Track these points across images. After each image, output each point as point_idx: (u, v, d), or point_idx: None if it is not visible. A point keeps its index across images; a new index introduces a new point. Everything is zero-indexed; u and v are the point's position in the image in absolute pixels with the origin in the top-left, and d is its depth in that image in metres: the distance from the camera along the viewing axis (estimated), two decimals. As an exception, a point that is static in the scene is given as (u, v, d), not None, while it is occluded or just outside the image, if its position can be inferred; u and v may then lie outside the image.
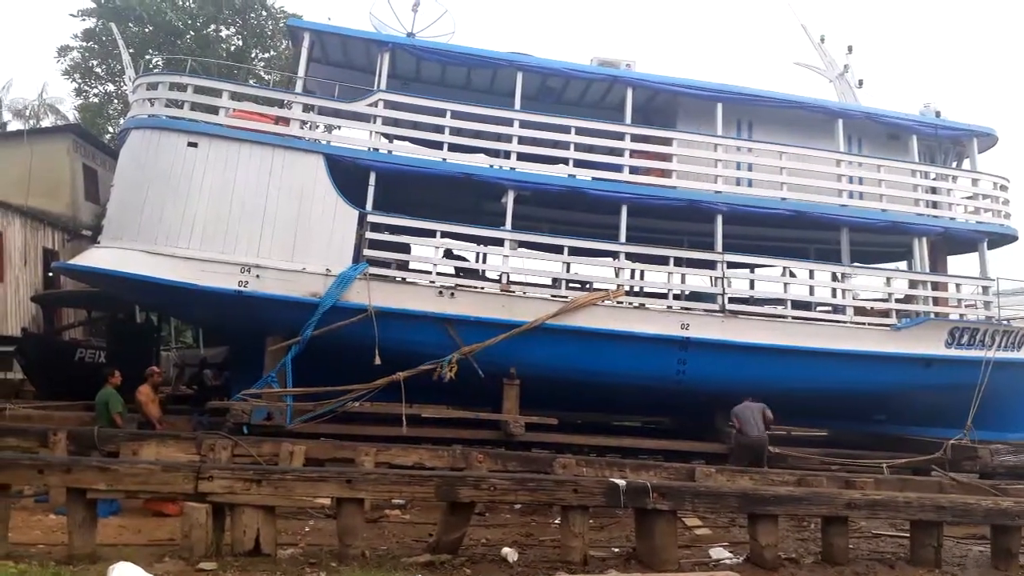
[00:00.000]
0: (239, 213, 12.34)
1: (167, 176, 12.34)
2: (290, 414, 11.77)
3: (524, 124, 13.78)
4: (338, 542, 7.40)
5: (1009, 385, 14.30)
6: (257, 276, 12.09)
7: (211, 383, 16.75)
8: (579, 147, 13.92)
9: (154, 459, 8.94)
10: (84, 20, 27.77)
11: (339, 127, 14.06)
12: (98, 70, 28.65)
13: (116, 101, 28.31)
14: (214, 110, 12.98)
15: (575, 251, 13.87)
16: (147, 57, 23.03)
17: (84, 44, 28.23)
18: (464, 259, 15.34)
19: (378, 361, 11.82)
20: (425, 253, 13.60)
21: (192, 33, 27.60)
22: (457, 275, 14.18)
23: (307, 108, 13.53)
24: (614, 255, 13.87)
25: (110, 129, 27.10)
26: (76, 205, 20.47)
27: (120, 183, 12.91)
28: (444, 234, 13.32)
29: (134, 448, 9.38)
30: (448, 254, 14.45)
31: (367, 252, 12.65)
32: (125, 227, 12.40)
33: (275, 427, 11.48)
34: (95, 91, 29.30)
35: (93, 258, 12.40)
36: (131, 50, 20.35)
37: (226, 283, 11.98)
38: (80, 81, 28.89)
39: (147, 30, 26.97)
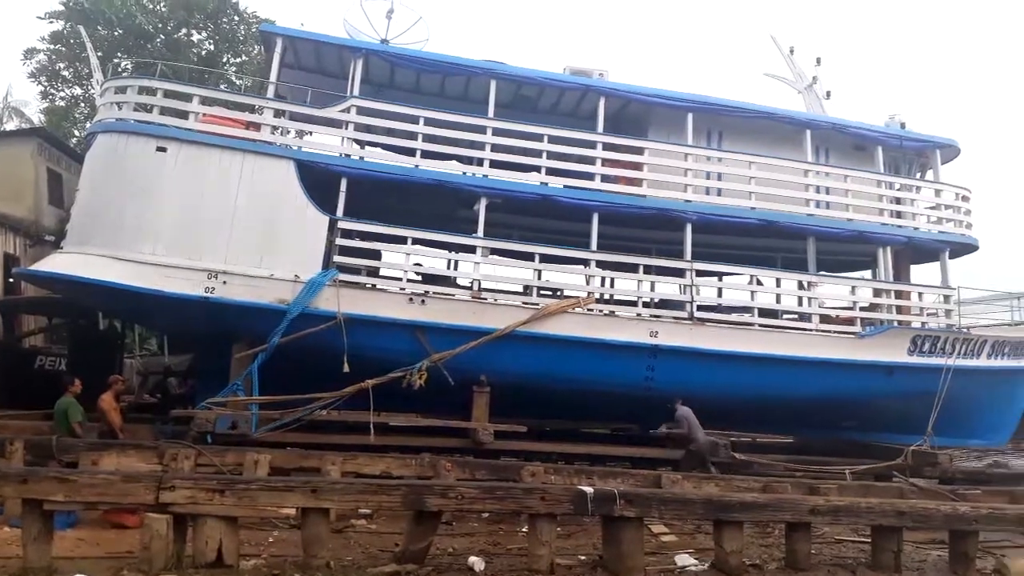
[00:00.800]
0: (207, 218, 12.21)
1: (134, 181, 12.19)
2: (255, 423, 11.64)
3: (497, 132, 13.83)
4: (303, 552, 7.32)
5: (968, 392, 14.57)
6: (224, 282, 11.96)
7: (175, 391, 16.53)
8: (552, 155, 13.99)
9: (114, 469, 8.77)
10: (52, 23, 27.41)
11: (311, 133, 13.99)
12: (65, 73, 28.24)
13: (83, 105, 27.91)
14: (184, 115, 12.85)
15: (546, 258, 13.92)
16: (116, 61, 22.78)
17: (51, 47, 27.82)
18: (434, 269, 15.30)
19: (347, 369, 11.75)
20: (396, 260, 13.55)
21: (162, 37, 27.33)
22: (429, 282, 14.16)
23: (278, 113, 13.44)
24: (585, 263, 13.94)
25: (76, 133, 26.68)
26: (39, 209, 20.07)
27: (85, 187, 12.71)
28: (416, 241, 13.30)
29: (94, 458, 9.21)
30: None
31: (337, 258, 12.59)
32: (89, 232, 12.21)
33: (240, 436, 11.34)
34: (62, 94, 28.87)
35: (55, 263, 12.18)
36: (99, 53, 20.11)
37: (192, 289, 11.84)
38: (46, 84, 28.47)
39: (116, 33, 26.65)
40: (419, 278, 14.07)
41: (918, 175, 17.25)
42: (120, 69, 21.79)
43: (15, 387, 15.01)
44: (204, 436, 11.00)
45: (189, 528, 7.04)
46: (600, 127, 14.48)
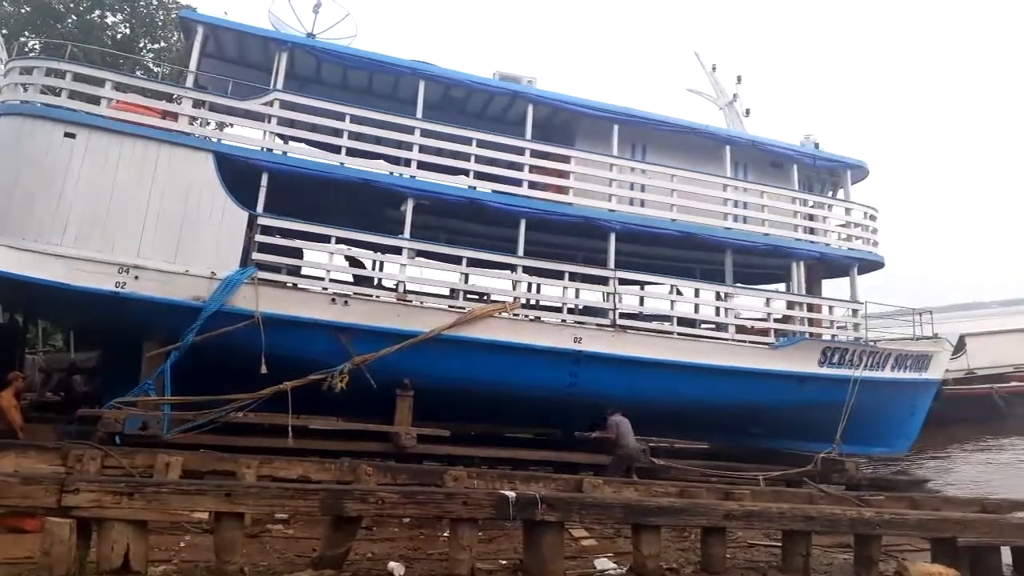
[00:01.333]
0: (119, 210, 11.68)
1: (40, 167, 11.54)
2: (167, 424, 11.18)
3: (425, 133, 13.73)
4: (216, 558, 7.06)
5: (874, 402, 15.31)
6: (136, 277, 11.47)
7: (80, 389, 15.74)
8: (480, 159, 13.99)
9: (13, 471, 8.27)
10: (-48, -4, 25.72)
11: (231, 125, 13.58)
12: (-35, 50, 26.55)
13: (-15, 84, 26.29)
14: (95, 100, 12.25)
15: (473, 262, 13.90)
16: (22, 40, 21.55)
17: (-50, 21, 26.12)
18: (361, 265, 15.08)
19: (264, 370, 11.42)
20: (318, 259, 13.28)
21: (74, 17, 26.00)
22: (352, 283, 13.93)
23: (198, 104, 12.97)
24: (512, 268, 13.97)
25: (-24, 114, 25.13)
26: (-67, 194, 18.81)
27: (-14, 172, 11.95)
28: (339, 240, 13.06)
29: (-10, 459, 8.66)
30: (352, 262, 14.20)
31: (256, 256, 12.24)
32: (-12, 220, 11.49)
33: (151, 438, 10.86)
34: (-39, 72, 27.13)
35: (-50, 252, 11.42)
36: (4, 31, 19.02)
37: (102, 283, 11.29)
38: (-56, 60, 26.68)
39: (24, 11, 25.21)
40: (342, 278, 13.79)
41: (830, 193, 18.04)
42: (27, 49, 20.61)
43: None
44: (112, 437, 10.51)
45: (94, 533, 6.69)
46: (528, 134, 14.57)
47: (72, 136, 11.73)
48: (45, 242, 11.28)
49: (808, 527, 8.56)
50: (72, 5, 25.99)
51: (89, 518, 6.61)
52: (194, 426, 11.31)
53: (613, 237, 14.43)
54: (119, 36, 26.85)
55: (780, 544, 8.88)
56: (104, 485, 6.82)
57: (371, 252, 14.95)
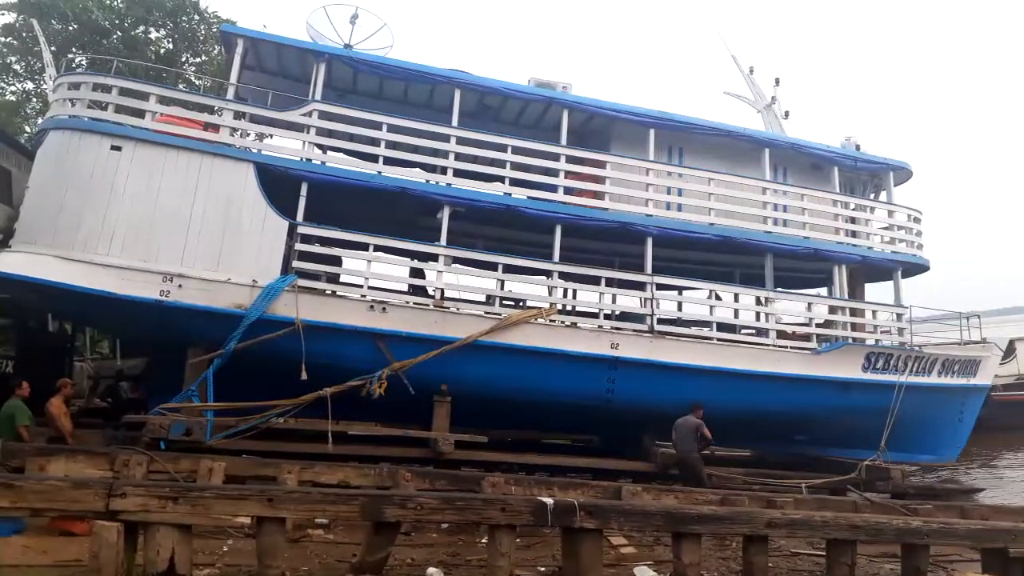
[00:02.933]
0: (163, 220, 11.94)
1: (87, 180, 11.87)
2: (210, 429, 11.38)
3: (461, 141, 13.81)
4: (257, 563, 7.15)
5: (920, 408, 14.95)
6: (180, 286, 11.70)
7: (127, 396, 16.10)
8: (515, 166, 14.02)
9: (63, 475, 8.49)
10: (4, 15, 26.60)
11: (271, 136, 13.81)
12: (16, 67, 27.41)
13: (35, 100, 27.12)
14: (140, 114, 12.55)
15: (509, 268, 13.92)
16: (70, 56, 22.18)
17: (2, 39, 27.01)
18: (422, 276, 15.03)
19: (304, 376, 11.57)
20: (357, 266, 13.42)
21: (119, 34, 26.71)
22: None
23: (238, 115, 13.22)
24: (548, 274, 13.96)
25: (27, 129, 25.91)
26: (-13, 207, 19.45)
27: (36, 185, 12.32)
28: (378, 248, 13.19)
29: (41, 463, 8.89)
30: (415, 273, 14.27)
31: (296, 264, 12.41)
32: (39, 231, 11.82)
33: (194, 443, 11.07)
34: (12, 89, 28.00)
35: (3, 262, 11.73)
36: (53, 48, 19.57)
37: (147, 292, 11.55)
38: (-4, 78, 27.59)
39: (71, 28, 25.98)
40: (380, 285, 13.88)
41: (872, 196, 17.71)
42: (74, 65, 21.19)
43: (-43, 390, 14.45)
44: (157, 442, 10.73)
45: (140, 536, 6.83)
46: (564, 140, 14.56)
47: (118, 149, 12.03)
48: (92, 252, 11.58)
49: (853, 536, 8.39)
50: (117, 22, 26.72)
51: (136, 522, 6.75)
52: (236, 432, 11.49)
53: (650, 242, 14.33)
54: (162, 51, 27.53)
55: (824, 553, 8.71)
56: (150, 490, 6.95)
57: (408, 259, 15.10)
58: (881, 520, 8.88)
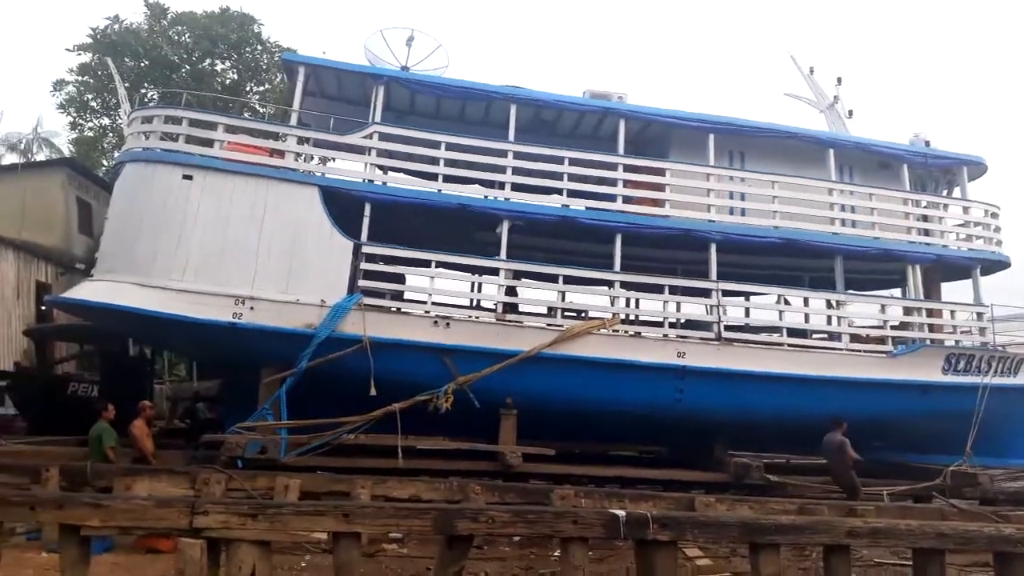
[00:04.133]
0: (233, 245, 12.33)
1: (161, 208, 12.35)
2: (284, 447, 11.65)
3: (518, 155, 13.89)
4: (335, 577, 7.27)
5: (1006, 411, 14.30)
6: (251, 308, 12.04)
7: (204, 416, 16.59)
8: (572, 177, 14.01)
9: (147, 494, 8.79)
10: (80, 55, 28.01)
11: (334, 159, 14.14)
12: (93, 104, 28.81)
13: (111, 135, 28.43)
14: (209, 143, 13.03)
15: (570, 280, 13.89)
16: (142, 91, 23.21)
17: (79, 78, 28.42)
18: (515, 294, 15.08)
19: (373, 392, 11.75)
20: (420, 283, 13.58)
21: (187, 67, 27.84)
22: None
23: (302, 140, 13.59)
24: (609, 284, 13.88)
25: (104, 163, 27.17)
26: (70, 238, 20.40)
27: (114, 216, 12.90)
28: (439, 264, 13.33)
29: (127, 483, 9.24)
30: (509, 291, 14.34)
31: (362, 283, 12.63)
32: (118, 260, 12.37)
33: (269, 460, 11.35)
34: (90, 125, 29.43)
35: (86, 291, 12.34)
36: (126, 84, 20.50)
37: (220, 315, 11.92)
38: (75, 115, 29.02)
39: (142, 64, 27.19)
40: (443, 301, 14.00)
41: (945, 192, 17.09)
42: (146, 99, 22.17)
43: (49, 414, 15.15)
44: (234, 461, 11.03)
45: (223, 553, 7.02)
46: (621, 149, 14.49)
47: (190, 178, 12.50)
48: (168, 279, 12.03)
49: (941, 545, 8.05)
50: (185, 56, 27.84)
51: (217, 539, 6.94)
52: (309, 448, 11.74)
53: (714, 247, 14.12)
54: (227, 81, 28.54)
55: (909, 563, 8.40)
56: (230, 507, 7.15)
57: (470, 274, 15.21)
58: (971, 528, 8.51)
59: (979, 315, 15.52)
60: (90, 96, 28.63)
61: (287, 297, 12.26)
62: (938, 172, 16.87)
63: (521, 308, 14.89)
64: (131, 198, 12.70)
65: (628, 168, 14.40)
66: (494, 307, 13.63)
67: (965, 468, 13.20)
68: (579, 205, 14.25)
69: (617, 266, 13.73)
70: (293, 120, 13.95)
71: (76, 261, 20.06)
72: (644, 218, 14.18)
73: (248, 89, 28.94)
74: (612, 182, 14.27)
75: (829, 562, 8.08)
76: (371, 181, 13.55)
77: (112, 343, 17.20)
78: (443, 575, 7.49)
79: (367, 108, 14.02)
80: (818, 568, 8.72)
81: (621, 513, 7.62)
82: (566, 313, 14.02)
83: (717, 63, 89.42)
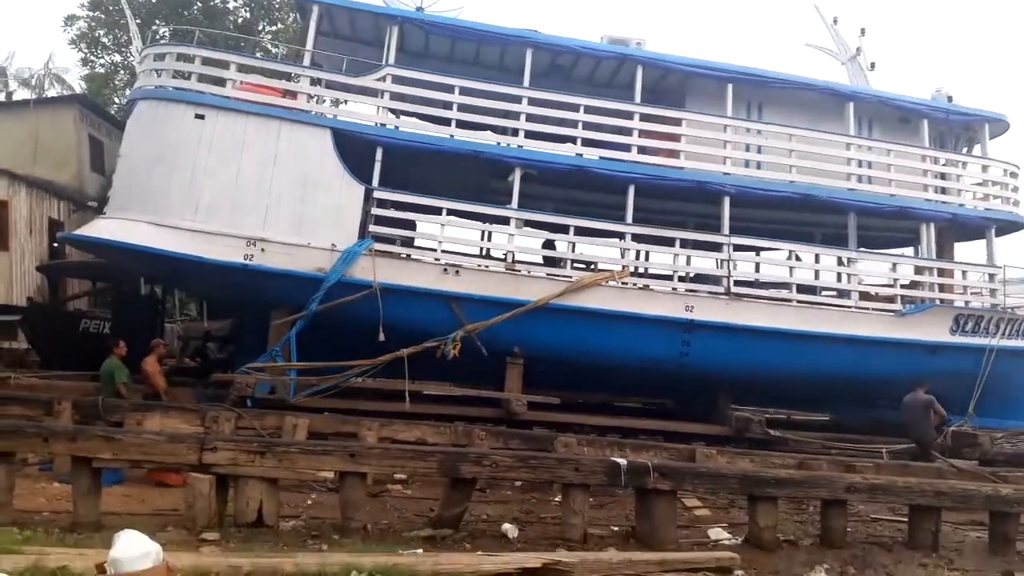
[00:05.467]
0: (245, 186, 12.30)
1: (174, 148, 12.29)
2: (293, 388, 11.82)
3: (532, 101, 13.69)
4: (340, 515, 7.46)
5: (1012, 373, 14.29)
6: (263, 250, 12.08)
7: (215, 356, 16.81)
8: (587, 126, 13.82)
9: (158, 430, 8.98)
10: (91, -11, 27.59)
11: (346, 102, 13.98)
12: (105, 40, 28.53)
13: (123, 72, 28.21)
14: (221, 82, 12.88)
15: (581, 231, 13.82)
16: (154, 28, 22.90)
17: (91, 14, 28.09)
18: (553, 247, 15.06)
19: (382, 337, 11.85)
20: (431, 230, 13.56)
21: (199, 4, 27.42)
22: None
23: (314, 82, 13.43)
24: (620, 236, 13.80)
25: (116, 100, 27.01)
26: (82, 176, 20.43)
27: (126, 154, 12.87)
28: (450, 212, 13.28)
29: (138, 419, 9.43)
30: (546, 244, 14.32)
31: (373, 228, 12.61)
32: (131, 198, 12.38)
33: (278, 401, 11.53)
34: (101, 61, 29.19)
35: (98, 229, 12.39)
36: (138, 20, 20.24)
37: (232, 256, 11.96)
38: (87, 51, 28.78)
39: (154, 0, 26.80)
40: (454, 249, 13.97)
41: (964, 150, 16.80)
42: (158, 36, 21.88)
43: (60, 349, 15.39)
44: (244, 400, 11.20)
45: (231, 488, 7.20)
46: (637, 97, 14.26)
47: (202, 117, 12.40)
48: (180, 218, 12.04)
49: (938, 502, 8.20)
50: (197, -8, 27.38)
51: (226, 475, 7.11)
52: (318, 390, 11.90)
53: (727, 201, 13.96)
54: (240, 20, 28.12)
55: (905, 520, 8.52)
56: (239, 444, 7.33)
57: (480, 223, 15.16)
58: (969, 487, 8.64)
59: (991, 276, 15.41)
60: (101, 32, 28.33)
61: (298, 240, 12.27)
62: (959, 128, 16.54)
63: (534, 258, 14.83)
64: (143, 136, 12.64)
65: (644, 118, 14.17)
66: (504, 256, 13.61)
67: (966, 428, 13.27)
68: (593, 155, 14.10)
69: (629, 218, 13.64)
70: (306, 60, 13.73)
71: (88, 199, 20.12)
72: (658, 169, 14.02)
73: (261, 28, 28.55)
74: (627, 132, 14.08)
75: (826, 516, 8.24)
76: (383, 125, 13.43)
77: (124, 281, 17.36)
78: (446, 516, 7.67)
79: (381, 49, 13.80)
80: (815, 521, 8.85)
81: (622, 461, 7.77)
82: (576, 264, 14.00)
83: (739, 10, 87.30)
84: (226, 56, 13.41)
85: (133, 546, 3.97)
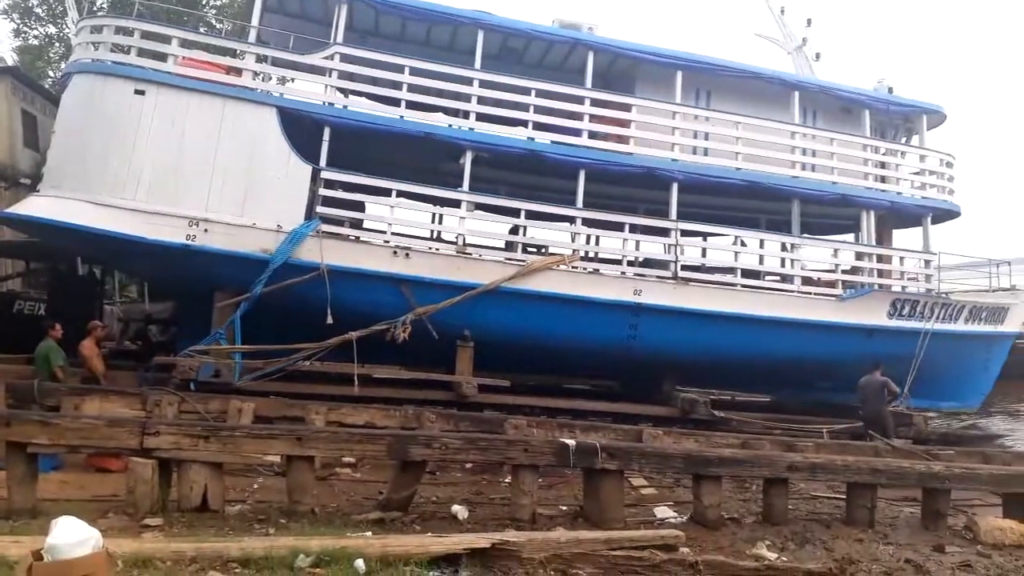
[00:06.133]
0: (188, 165, 11.98)
1: (112, 124, 11.90)
2: (238, 371, 11.60)
3: (484, 84, 13.63)
4: (287, 499, 7.36)
5: (945, 356, 14.85)
6: (206, 230, 11.80)
7: (157, 339, 16.41)
8: (539, 109, 13.82)
9: (98, 414, 8.73)
10: (24, -44, 26.40)
11: (293, 80, 13.70)
12: (38, 10, 27.33)
13: (58, 44, 27.09)
14: (162, 57, 12.49)
15: (532, 215, 13.85)
16: (91, -1, 22.04)
17: (24, -18, 26.86)
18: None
19: (331, 320, 11.71)
20: (381, 212, 13.42)
21: (139, -25, 26.45)
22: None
23: (260, 59, 13.11)
24: (571, 220, 13.87)
25: (51, 73, 25.93)
26: (14, 152, 19.57)
27: (62, 130, 12.39)
28: (400, 193, 13.16)
29: (76, 402, 9.12)
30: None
31: (320, 209, 12.43)
32: (66, 175, 11.94)
33: (223, 384, 11.30)
34: (35, 32, 27.96)
35: (32, 207, 11.90)
36: (74, -9, 19.43)
37: (173, 236, 11.67)
38: (19, 21, 27.52)
39: (91, -31, 25.76)
40: (404, 231, 13.89)
41: (903, 140, 17.32)
42: (96, 8, 21.10)
43: (-6, 331, 14.79)
44: (187, 383, 10.95)
45: (174, 473, 7.05)
46: (588, 82, 14.31)
47: (142, 93, 12.02)
48: (119, 197, 11.67)
49: (874, 480, 8.47)
50: (137, -37, 26.39)
51: (169, 459, 6.96)
52: (264, 374, 11.70)
53: (675, 187, 14.16)
54: (182, -7, 27.18)
55: (844, 496, 8.80)
56: (183, 428, 7.17)
57: (431, 205, 15.07)
58: (903, 465, 8.94)
59: (927, 262, 15.95)
60: (35, 2, 27.14)
61: (243, 221, 12.02)
62: (898, 119, 17.06)
63: (485, 241, 14.83)
64: (80, 112, 12.19)
65: (595, 103, 14.25)
66: (455, 239, 13.55)
67: (903, 409, 13.75)
68: (544, 139, 14.11)
69: (580, 202, 13.72)
70: (252, 37, 13.42)
71: (21, 175, 19.29)
72: (609, 155, 14.12)
73: (205, 2, 27.69)
74: (578, 116, 14.13)
75: (768, 494, 8.45)
76: (332, 104, 13.21)
77: (60, 261, 16.77)
78: (395, 498, 7.64)
79: (329, 28, 13.54)
80: (758, 499, 9.08)
81: (571, 442, 7.83)
82: (527, 248, 14.04)
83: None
84: (168, 30, 13.00)
85: (71, 533, 3.87)
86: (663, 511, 8.65)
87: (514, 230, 14.65)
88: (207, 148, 12.08)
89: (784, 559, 6.87)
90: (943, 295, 15.59)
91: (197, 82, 12.29)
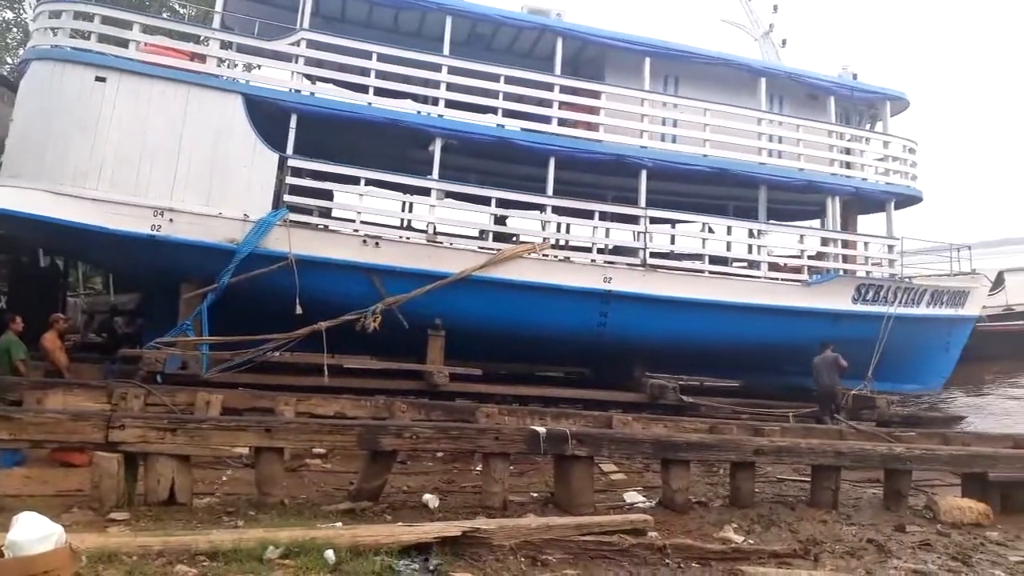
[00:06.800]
0: (152, 154, 11.78)
1: (72, 112, 11.64)
2: (206, 363, 11.49)
3: (453, 71, 13.55)
4: (257, 491, 7.32)
5: (908, 339, 15.16)
6: (171, 220, 11.63)
7: (122, 331, 16.17)
8: (508, 96, 13.79)
9: (61, 408, 8.59)
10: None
11: (259, 66, 13.51)
12: (-6, -5, 26.59)
13: (15, 30, 26.36)
14: (124, 43, 12.23)
15: (502, 203, 13.84)
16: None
17: (-22, -35, 26.08)
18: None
19: (299, 310, 11.61)
20: (349, 201, 13.32)
21: (99, -41, 25.84)
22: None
23: (225, 45, 12.91)
24: (541, 208, 13.89)
25: (8, 60, 25.27)
26: (-29, 140, 19.12)
27: (20, 118, 12.07)
28: (369, 182, 13.06)
29: (39, 396, 8.97)
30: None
31: (288, 198, 12.31)
32: (26, 165, 11.65)
33: (190, 376, 11.19)
34: (-9, 18, 27.21)
35: (-11, 197, 11.64)
36: (31, -26, 18.96)
37: (138, 227, 11.48)
38: (-26, 6, 26.76)
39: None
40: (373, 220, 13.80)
41: (868, 126, 17.55)
42: (54, -7, 20.56)
43: (-49, 325, 14.47)
44: (154, 376, 10.81)
45: (140, 467, 6.96)
46: (557, 69, 14.30)
47: (103, 80, 11.77)
48: (81, 186, 11.45)
49: (837, 462, 8.62)
50: (97, -54, 25.77)
51: (135, 453, 6.87)
52: (232, 365, 11.59)
53: (644, 174, 14.24)
54: (144, -23, 26.62)
55: (809, 479, 8.96)
56: (149, 421, 7.07)
57: (400, 193, 14.98)
58: (866, 447, 9.12)
59: (890, 248, 16.23)
60: (-10, -15, 26.39)
61: (209, 210, 11.86)
62: (863, 106, 17.29)
63: (453, 230, 14.79)
64: (39, 99, 11.89)
65: (564, 89, 14.25)
66: (425, 228, 13.50)
67: (866, 392, 14.03)
68: (514, 126, 14.08)
69: (550, 190, 13.73)
70: (216, 23, 13.19)
71: (-21, 165, 18.84)
72: (578, 142, 14.14)
73: (167, -13, 27.13)
74: (548, 103, 14.12)
75: (736, 478, 8.57)
76: (298, 91, 13.05)
77: (21, 252, 16.43)
78: (366, 488, 7.63)
79: (295, 13, 13.34)
80: (725, 483, 9.21)
81: (542, 430, 7.87)
82: (497, 236, 14.02)
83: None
84: (129, 15, 12.73)
85: (32, 528, 3.82)
86: (632, 496, 8.74)
87: (500, 220, 14.61)
88: (171, 136, 11.89)
89: (750, 541, 7.00)
90: (906, 280, 15.90)
91: (160, 69, 12.08)
